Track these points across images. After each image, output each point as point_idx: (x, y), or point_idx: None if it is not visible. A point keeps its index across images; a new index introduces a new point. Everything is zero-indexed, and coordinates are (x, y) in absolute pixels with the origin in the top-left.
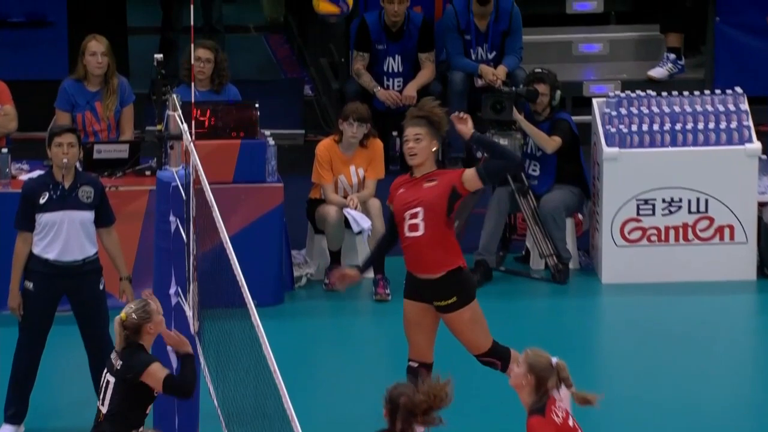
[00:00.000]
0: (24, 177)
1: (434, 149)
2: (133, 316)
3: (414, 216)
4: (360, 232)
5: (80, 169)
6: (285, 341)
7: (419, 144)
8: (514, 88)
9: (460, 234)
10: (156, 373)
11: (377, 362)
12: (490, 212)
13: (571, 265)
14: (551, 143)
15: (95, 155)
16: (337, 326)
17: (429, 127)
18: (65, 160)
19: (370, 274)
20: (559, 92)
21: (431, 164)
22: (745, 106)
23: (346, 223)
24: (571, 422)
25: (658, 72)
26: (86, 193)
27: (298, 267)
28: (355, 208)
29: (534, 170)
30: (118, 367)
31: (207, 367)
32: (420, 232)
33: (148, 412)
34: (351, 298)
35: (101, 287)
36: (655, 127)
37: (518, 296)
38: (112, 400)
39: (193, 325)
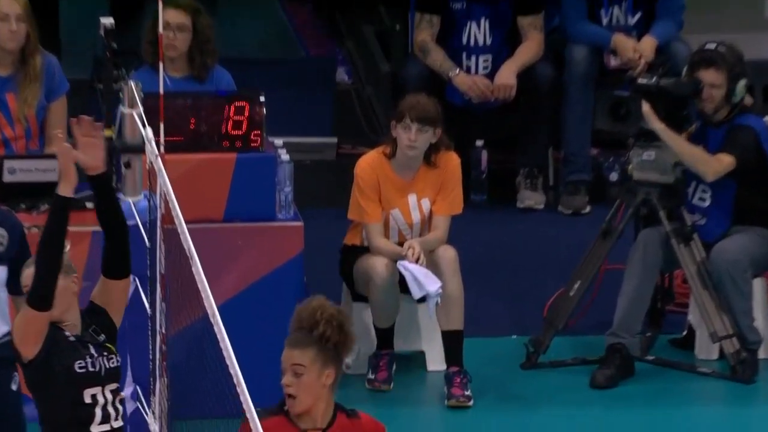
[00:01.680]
0: None
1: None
2: None
3: None
4: (424, 299)
5: None
6: None
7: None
8: (657, 77)
9: (563, 323)
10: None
11: None
12: (632, 269)
13: (762, 354)
14: (714, 165)
15: (5, 177)
16: None
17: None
18: None
19: (441, 366)
20: (743, 82)
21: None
22: None
23: (402, 285)
24: None
25: None
26: None
27: None
28: (418, 262)
29: (701, 201)
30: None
31: None
32: None
33: None
34: (411, 402)
35: (15, 387)
36: None
37: (677, 402)
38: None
39: None
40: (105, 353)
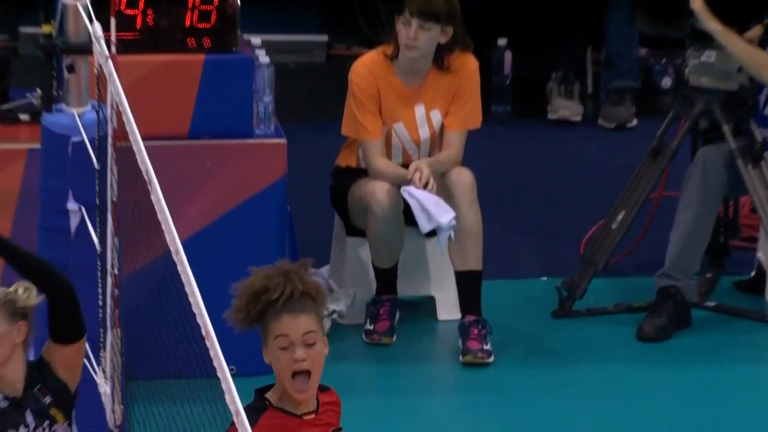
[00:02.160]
0: None
1: None
2: None
3: None
4: (434, 233)
5: None
6: None
7: None
8: None
9: (604, 263)
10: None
11: None
12: (689, 196)
13: None
14: None
15: None
16: (391, 413)
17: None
18: None
19: (455, 314)
20: None
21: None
22: None
23: (408, 216)
24: None
25: None
26: None
27: None
28: (426, 187)
29: None
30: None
31: None
32: None
33: None
34: (418, 358)
35: None
36: None
37: (742, 357)
38: None
39: (111, 411)
40: (47, 422)
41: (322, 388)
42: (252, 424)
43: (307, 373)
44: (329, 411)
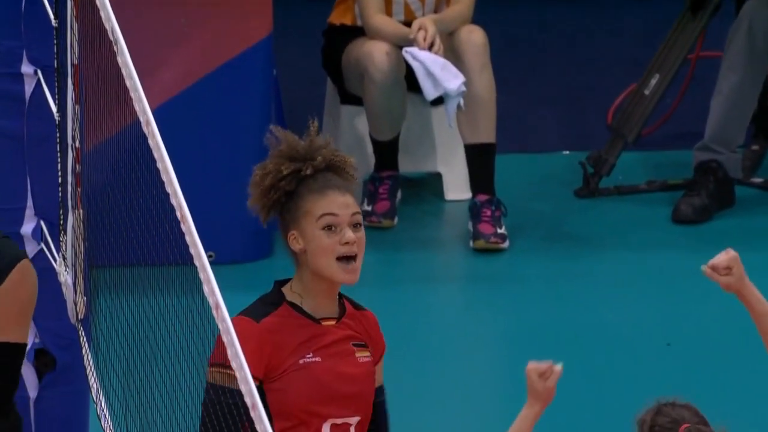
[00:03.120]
0: None
1: None
2: None
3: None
4: (441, 100)
5: None
6: None
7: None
8: None
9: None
10: None
11: (467, 375)
12: (732, 57)
13: None
14: None
15: None
16: (393, 306)
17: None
18: None
19: (465, 193)
20: None
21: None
22: None
23: (411, 80)
24: None
25: None
26: None
27: None
28: (432, 49)
29: None
30: None
31: (103, 391)
32: None
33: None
34: (423, 243)
35: None
36: None
37: None
38: None
39: (73, 303)
40: None
41: (355, 305)
42: (255, 320)
43: (353, 259)
44: (355, 324)
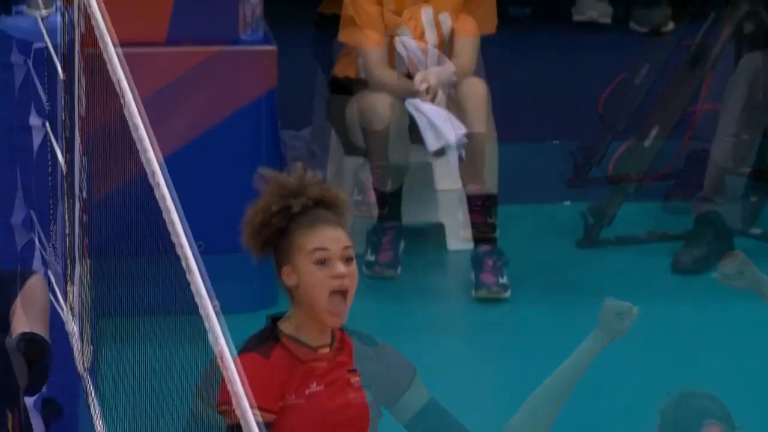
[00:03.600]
0: None
1: None
2: None
3: None
4: (443, 152)
5: None
6: None
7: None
8: None
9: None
10: None
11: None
12: (731, 108)
13: None
14: None
15: None
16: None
17: None
18: None
19: (467, 244)
20: None
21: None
22: None
23: (414, 132)
24: None
25: None
26: None
27: None
28: (434, 101)
29: None
30: None
31: None
32: None
33: None
34: (426, 293)
35: None
36: None
37: None
38: None
39: (79, 352)
40: None
41: (365, 340)
42: (264, 356)
43: (344, 294)
44: (344, 349)
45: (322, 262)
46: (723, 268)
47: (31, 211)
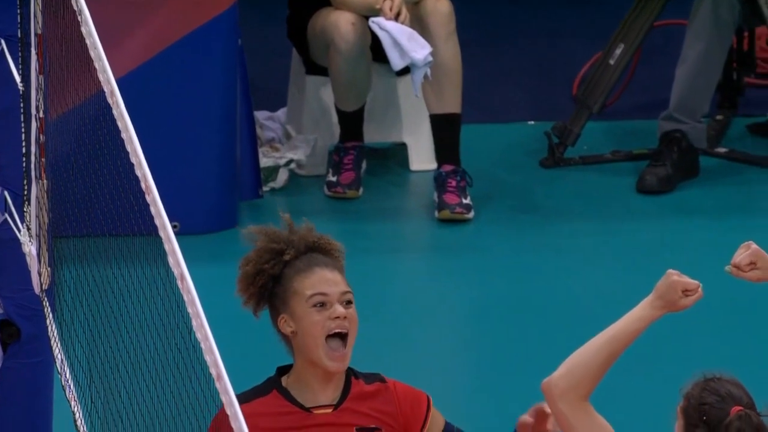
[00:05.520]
0: None
1: None
2: None
3: None
4: (407, 70)
5: None
6: (237, 309)
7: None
8: None
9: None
10: None
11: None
12: (697, 25)
13: None
14: None
15: None
16: (358, 276)
17: None
18: None
19: (430, 164)
20: None
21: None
22: None
23: (377, 51)
24: None
25: None
26: None
27: (270, 149)
28: (398, 19)
29: None
30: None
31: (68, 362)
32: None
33: None
34: (388, 214)
35: None
36: None
37: (758, 210)
38: None
39: (37, 274)
40: None
41: (365, 377)
42: (248, 399)
43: (343, 337)
44: (360, 405)
45: (321, 305)
46: (735, 258)
47: (3, 190)
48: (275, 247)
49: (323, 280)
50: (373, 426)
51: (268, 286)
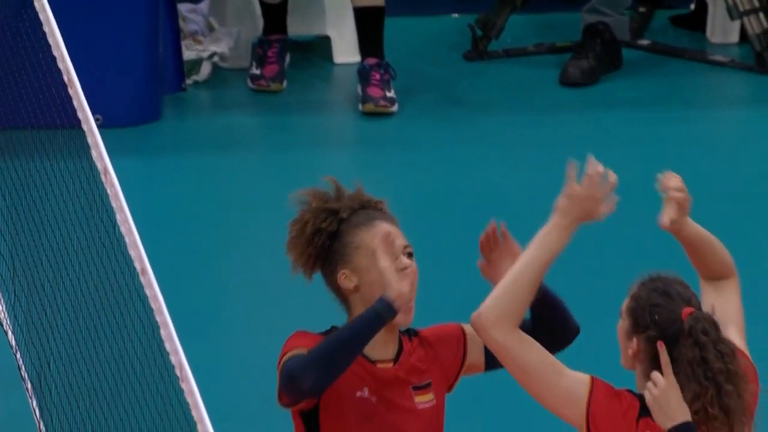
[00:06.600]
0: None
1: None
2: None
3: None
4: None
5: None
6: (161, 203)
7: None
8: None
9: None
10: None
11: None
12: None
13: None
14: None
15: None
16: (281, 169)
17: None
18: None
19: (354, 57)
20: None
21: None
22: None
23: None
24: None
25: None
26: None
27: (193, 41)
28: None
29: None
30: None
31: None
32: None
33: None
34: (311, 107)
35: None
36: None
37: (680, 102)
38: None
39: None
40: None
41: (410, 334)
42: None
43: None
44: (417, 358)
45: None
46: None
47: None
48: (331, 206)
49: (386, 230)
50: (424, 383)
51: (326, 245)
